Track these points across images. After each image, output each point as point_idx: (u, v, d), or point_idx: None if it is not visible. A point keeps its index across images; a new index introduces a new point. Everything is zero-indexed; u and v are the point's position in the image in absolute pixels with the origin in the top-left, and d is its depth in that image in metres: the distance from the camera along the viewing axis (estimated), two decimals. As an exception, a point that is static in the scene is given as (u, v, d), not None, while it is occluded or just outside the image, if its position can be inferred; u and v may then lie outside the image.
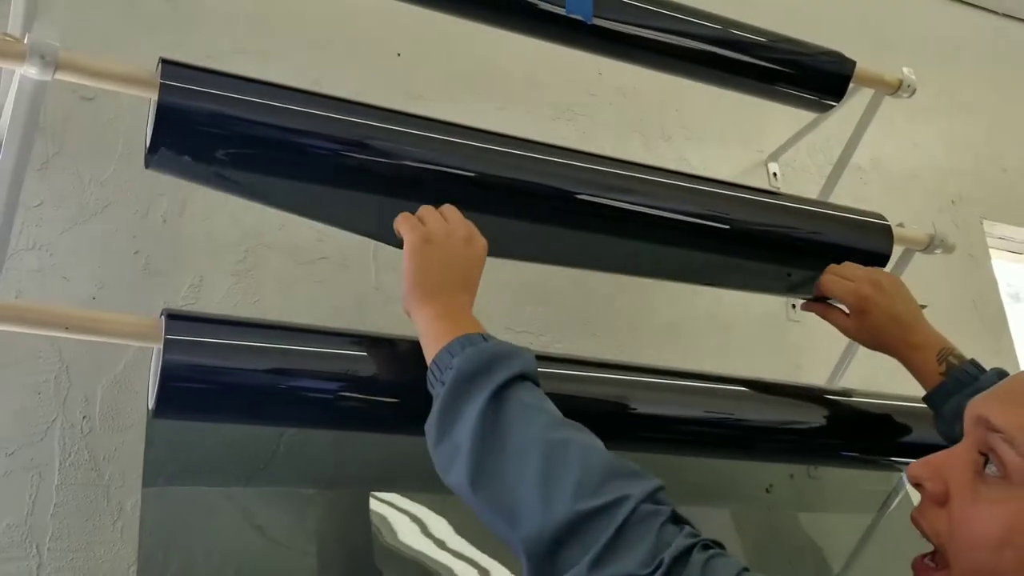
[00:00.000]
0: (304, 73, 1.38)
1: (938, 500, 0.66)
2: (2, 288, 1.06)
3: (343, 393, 0.89)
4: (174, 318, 0.86)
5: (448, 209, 0.92)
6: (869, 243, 1.26)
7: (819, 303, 1.24)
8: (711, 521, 1.35)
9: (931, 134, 2.08)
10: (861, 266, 1.20)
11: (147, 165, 0.90)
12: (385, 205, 0.95)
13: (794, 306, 1.69)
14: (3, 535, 1.01)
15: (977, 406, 0.66)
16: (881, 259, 1.27)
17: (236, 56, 1.35)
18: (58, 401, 1.09)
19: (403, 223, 0.89)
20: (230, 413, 0.87)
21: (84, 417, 1.09)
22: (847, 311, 1.18)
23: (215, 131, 0.88)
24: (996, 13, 2.36)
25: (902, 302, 1.15)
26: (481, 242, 0.90)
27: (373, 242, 1.10)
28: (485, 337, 0.80)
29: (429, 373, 0.80)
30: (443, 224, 0.89)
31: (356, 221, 1.01)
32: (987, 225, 2.06)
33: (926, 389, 1.10)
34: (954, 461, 0.66)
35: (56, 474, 1.06)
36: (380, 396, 0.91)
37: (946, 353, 1.09)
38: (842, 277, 1.18)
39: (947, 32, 2.26)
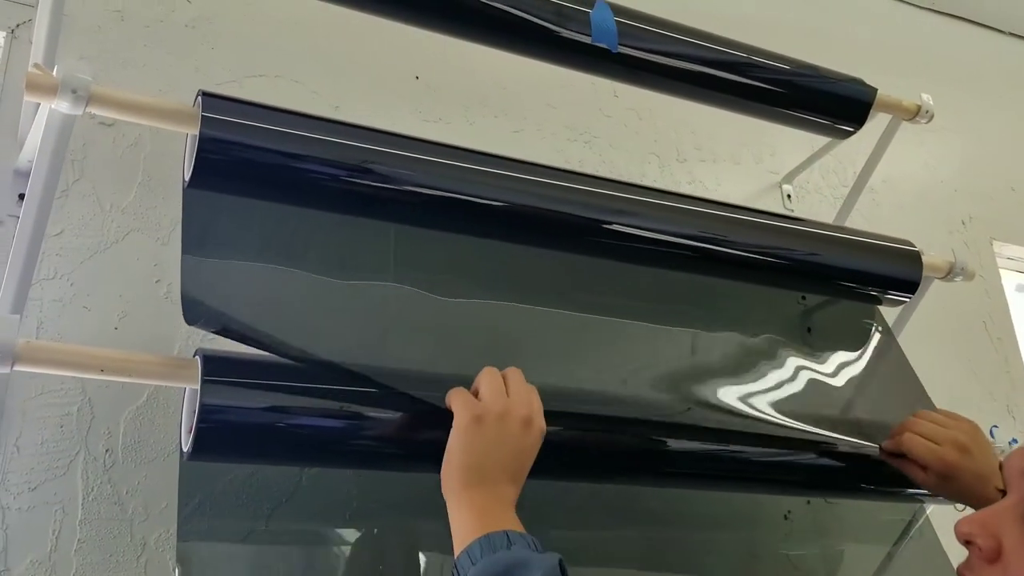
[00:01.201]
0: (324, 97, 1.37)
1: (990, 557, 0.65)
2: (24, 319, 1.04)
3: (382, 435, 0.88)
4: (210, 360, 0.85)
5: (512, 377, 0.84)
6: (900, 271, 1.26)
7: (897, 457, 1.17)
8: (731, 548, 1.35)
9: (942, 155, 2.08)
10: (939, 417, 1.16)
11: (185, 196, 0.89)
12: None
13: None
14: (27, 571, 1.00)
15: (1021, 457, 0.66)
16: (910, 286, 1.27)
17: (254, 80, 1.34)
18: (81, 434, 1.07)
19: (456, 399, 0.82)
20: (269, 456, 0.86)
21: (107, 450, 1.08)
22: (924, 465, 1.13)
23: (257, 163, 0.87)
24: (1004, 32, 2.37)
25: (984, 458, 1.10)
26: (540, 425, 0.82)
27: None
28: (510, 538, 0.73)
29: (452, 570, 0.76)
30: (501, 399, 0.80)
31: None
32: (997, 246, 2.06)
33: None
34: (1004, 516, 0.66)
35: (80, 509, 1.04)
36: (416, 441, 0.90)
37: None
38: (924, 437, 1.12)
39: (957, 52, 2.27)
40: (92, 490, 1.06)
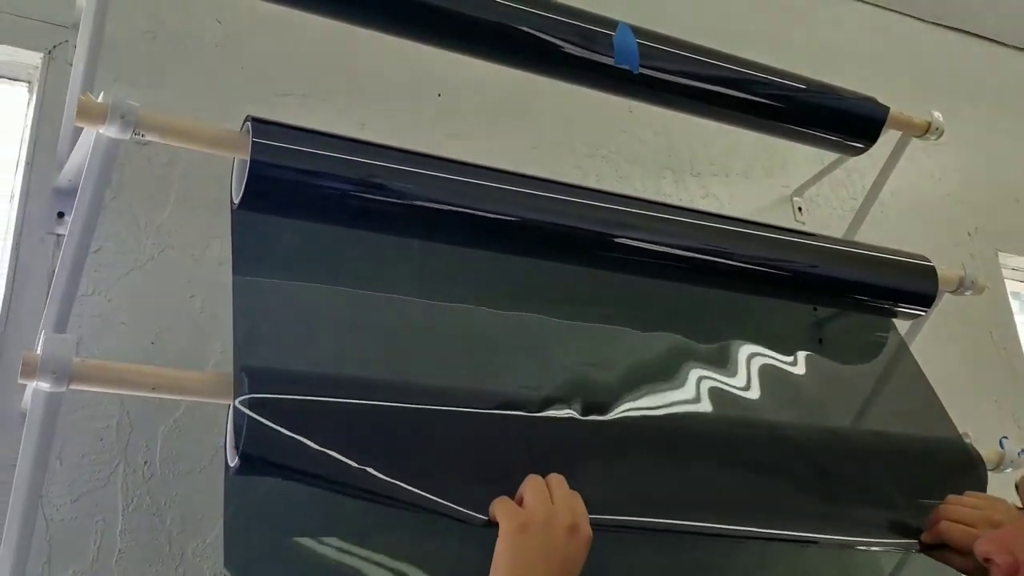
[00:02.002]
0: (349, 116, 1.41)
1: (1008, 573, 0.69)
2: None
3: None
4: (254, 374, 0.88)
5: (556, 483, 0.84)
6: (916, 285, 1.30)
7: (938, 549, 1.14)
8: (740, 562, 1.37)
9: (948, 167, 2.11)
10: (971, 500, 1.13)
11: (234, 217, 0.92)
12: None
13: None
14: (70, 582, 1.03)
15: None
16: (926, 300, 1.30)
17: (280, 99, 1.37)
18: (120, 447, 1.10)
19: (500, 509, 0.81)
20: (317, 471, 0.89)
21: (145, 462, 1.11)
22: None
23: (305, 185, 0.90)
24: (1009, 46, 2.40)
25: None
26: (586, 531, 0.81)
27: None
28: None
29: None
30: (546, 506, 0.80)
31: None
32: (1002, 257, 2.10)
33: None
34: (1020, 534, 0.70)
35: (120, 519, 1.07)
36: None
37: None
38: (960, 523, 1.09)
39: (963, 65, 2.30)
40: (132, 501, 1.09)
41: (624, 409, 1.14)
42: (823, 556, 1.42)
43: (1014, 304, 2.11)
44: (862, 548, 1.24)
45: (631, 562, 1.20)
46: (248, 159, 0.89)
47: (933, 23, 2.30)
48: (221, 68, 1.35)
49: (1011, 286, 2.13)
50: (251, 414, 0.85)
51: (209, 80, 1.33)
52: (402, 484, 0.85)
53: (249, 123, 0.92)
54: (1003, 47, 2.40)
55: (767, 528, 1.15)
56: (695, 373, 1.30)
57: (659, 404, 1.21)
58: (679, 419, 1.18)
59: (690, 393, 1.29)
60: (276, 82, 1.38)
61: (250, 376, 0.88)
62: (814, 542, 1.18)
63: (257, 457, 0.85)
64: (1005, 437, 1.43)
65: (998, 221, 2.12)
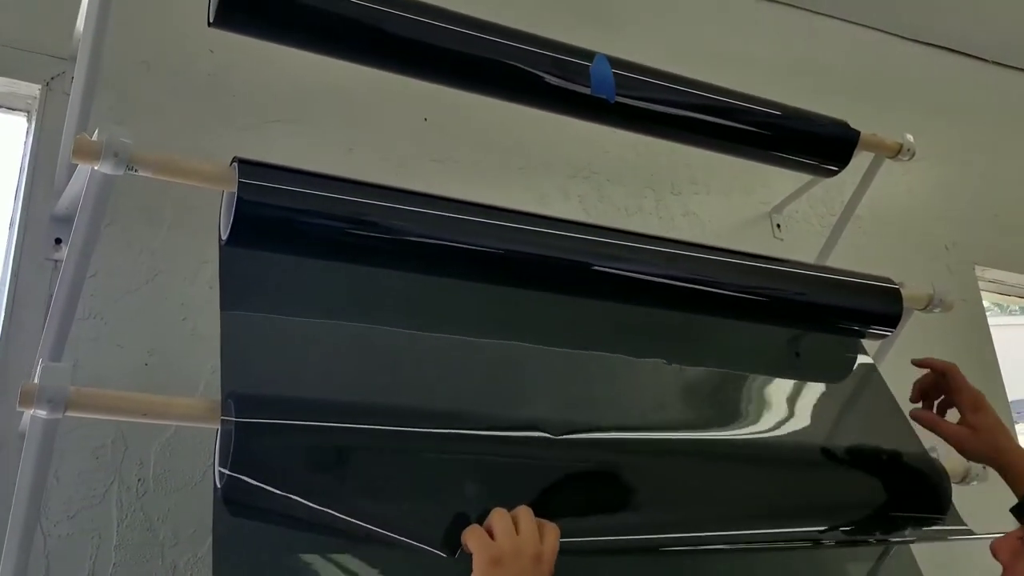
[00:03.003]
0: (337, 140, 1.45)
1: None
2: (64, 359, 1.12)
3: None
4: (241, 400, 0.93)
5: (523, 515, 0.90)
6: (881, 307, 1.35)
7: (928, 414, 1.31)
8: (721, 563, 1.42)
9: (926, 182, 2.16)
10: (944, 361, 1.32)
11: (222, 252, 0.97)
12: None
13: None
14: (67, 595, 1.08)
15: None
16: (892, 321, 1.35)
17: (270, 126, 1.42)
18: (115, 465, 1.15)
19: (472, 538, 0.87)
20: (299, 497, 0.93)
21: (139, 480, 1.16)
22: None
23: (289, 223, 0.95)
24: (987, 61, 2.45)
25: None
26: (549, 564, 0.87)
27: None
28: None
29: None
30: (513, 539, 0.87)
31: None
32: (979, 270, 2.14)
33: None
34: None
35: (115, 534, 1.12)
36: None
37: None
38: (956, 381, 1.29)
39: (941, 81, 2.35)
40: (126, 517, 1.13)
41: (602, 432, 1.18)
42: (796, 567, 1.47)
43: (995, 313, 2.16)
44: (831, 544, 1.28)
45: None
46: (235, 197, 0.94)
47: (911, 39, 2.34)
48: (214, 97, 1.40)
49: (989, 298, 2.18)
50: (237, 437, 0.90)
51: (201, 108, 1.38)
52: (376, 518, 0.91)
53: (236, 164, 0.97)
54: (981, 62, 2.44)
55: (741, 531, 1.21)
56: (674, 394, 1.35)
57: (638, 426, 1.26)
58: (656, 442, 1.22)
59: (669, 413, 1.34)
60: (266, 109, 1.43)
61: (236, 401, 0.93)
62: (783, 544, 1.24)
63: (243, 478, 0.90)
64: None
65: (975, 235, 2.17)
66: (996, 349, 2.09)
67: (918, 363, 1.33)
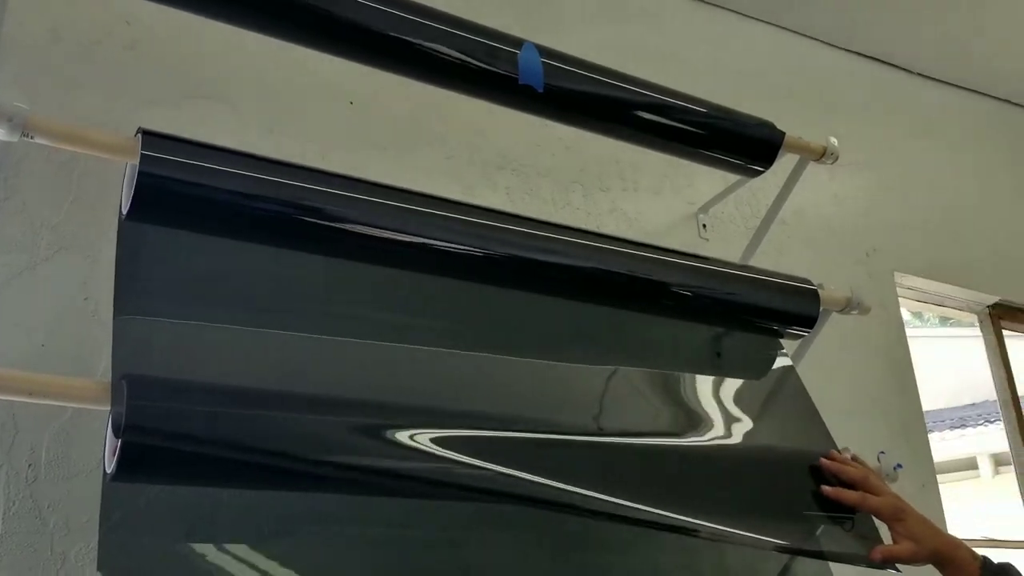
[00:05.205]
0: (257, 120, 1.41)
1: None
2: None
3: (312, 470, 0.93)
4: (134, 383, 0.89)
5: None
6: (799, 308, 1.36)
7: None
8: (633, 563, 1.42)
9: (850, 189, 2.20)
10: (859, 467, 1.26)
11: (120, 225, 0.92)
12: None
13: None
14: (-54, 586, 1.02)
15: None
16: (809, 321, 1.36)
17: (191, 102, 1.37)
18: (3, 449, 1.09)
19: None
20: (194, 478, 0.90)
21: (29, 465, 1.10)
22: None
23: (192, 199, 0.91)
24: (912, 73, 2.51)
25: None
26: None
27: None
28: None
29: None
30: None
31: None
32: (898, 277, 2.19)
33: None
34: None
35: (0, 523, 1.06)
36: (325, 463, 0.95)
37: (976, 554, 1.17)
38: (867, 491, 1.21)
39: (866, 89, 2.39)
40: (13, 504, 1.08)
41: (519, 428, 1.17)
42: (710, 565, 1.48)
43: (913, 321, 2.21)
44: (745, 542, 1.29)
45: (519, 562, 1.24)
46: (136, 169, 0.89)
47: (843, 49, 2.39)
48: (130, 71, 1.34)
49: (907, 305, 2.23)
50: (129, 421, 0.86)
51: (114, 81, 1.32)
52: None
53: (139, 135, 0.92)
54: (905, 73, 2.50)
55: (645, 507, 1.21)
56: (592, 394, 1.34)
57: (558, 422, 1.25)
58: (565, 442, 1.21)
59: (590, 410, 1.33)
60: (183, 84, 1.37)
61: (130, 384, 0.88)
62: (695, 532, 1.24)
63: (133, 463, 0.86)
64: (883, 452, 1.50)
65: (894, 242, 2.21)
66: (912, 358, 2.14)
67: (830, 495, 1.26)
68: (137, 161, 0.93)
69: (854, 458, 1.31)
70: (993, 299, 2.38)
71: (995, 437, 6.08)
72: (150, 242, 0.99)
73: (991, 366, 2.39)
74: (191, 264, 1.03)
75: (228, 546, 1.02)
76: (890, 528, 1.19)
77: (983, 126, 2.63)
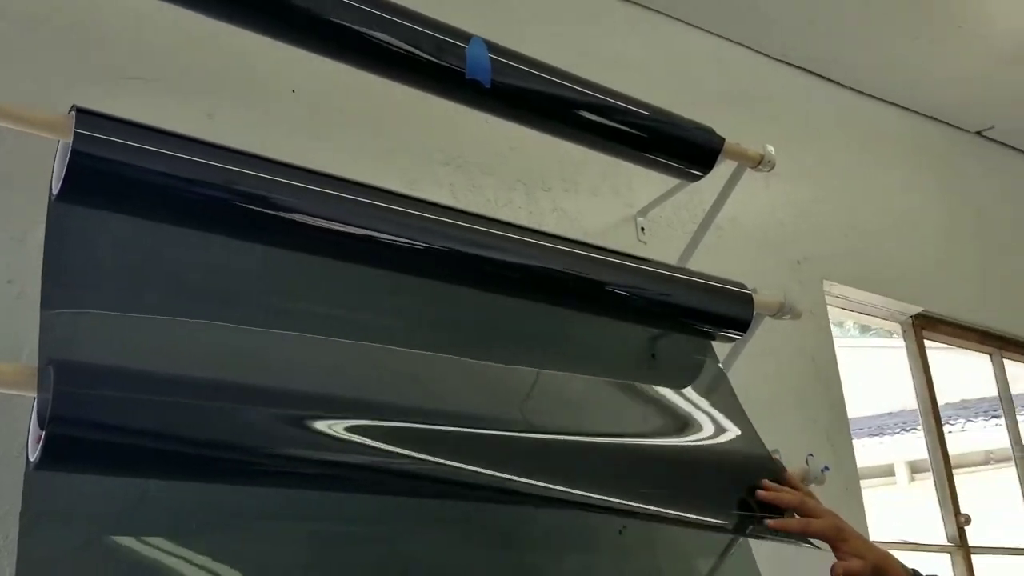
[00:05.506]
0: (196, 105, 1.37)
1: None
2: None
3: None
4: (61, 368, 0.85)
5: None
6: (734, 311, 1.38)
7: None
8: (567, 567, 1.43)
9: (783, 198, 2.25)
10: (794, 492, 1.24)
11: (50, 207, 0.89)
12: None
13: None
14: None
15: None
16: (743, 325, 1.39)
17: (130, 83, 1.33)
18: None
19: None
20: (122, 469, 0.87)
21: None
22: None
23: (127, 182, 0.88)
24: (844, 87, 2.58)
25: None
26: None
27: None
28: None
29: None
30: None
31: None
32: (827, 285, 2.25)
33: None
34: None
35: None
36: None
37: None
38: (806, 515, 1.20)
39: (802, 102, 2.46)
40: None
41: (452, 423, 1.16)
42: (641, 565, 1.50)
43: (835, 331, 2.27)
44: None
45: (452, 558, 1.23)
46: (70, 147, 0.86)
47: (781, 61, 2.44)
48: (68, 49, 1.29)
49: (834, 313, 2.29)
50: (55, 409, 0.83)
51: (49, 59, 1.27)
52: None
53: (73, 112, 0.89)
54: (841, 88, 2.57)
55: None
56: (527, 387, 1.34)
57: (490, 417, 1.24)
58: (504, 437, 1.21)
59: (520, 406, 1.33)
60: (122, 65, 1.33)
61: (57, 370, 0.85)
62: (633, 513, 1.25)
63: (58, 452, 0.83)
64: (811, 455, 1.54)
65: (825, 251, 2.27)
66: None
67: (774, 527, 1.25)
68: (70, 140, 0.90)
69: (785, 472, 1.33)
70: (916, 309, 2.46)
71: (912, 445, 6.32)
72: (81, 224, 0.96)
73: (913, 375, 2.47)
74: (123, 248, 1.00)
75: (156, 539, 0.99)
76: (834, 548, 1.18)
77: (913, 143, 2.72)
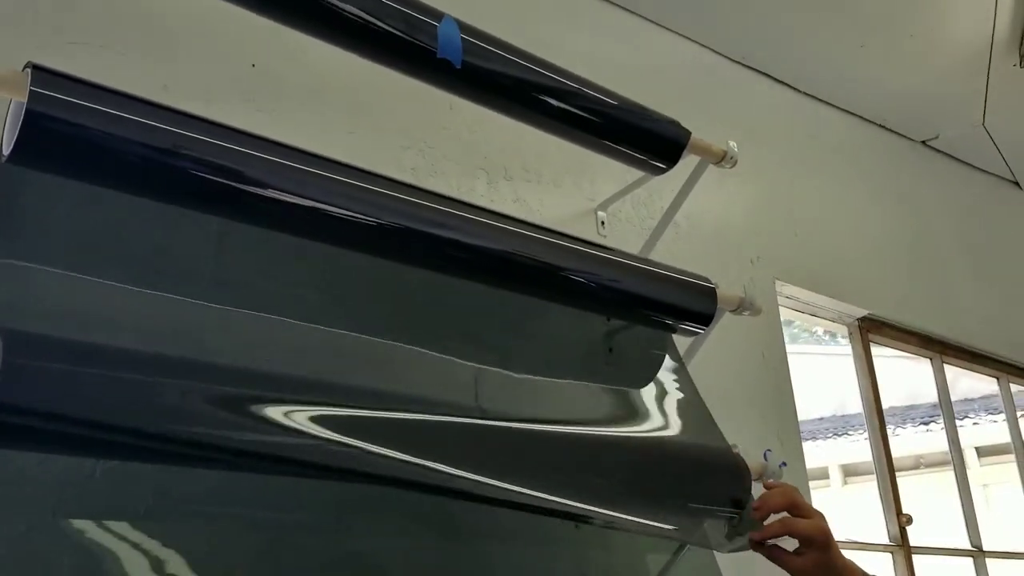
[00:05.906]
0: (151, 75, 1.32)
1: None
2: None
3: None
4: (9, 339, 0.80)
5: None
6: (697, 304, 1.37)
7: (765, 547, 1.14)
8: (522, 559, 1.40)
9: (740, 198, 2.26)
10: (780, 493, 1.13)
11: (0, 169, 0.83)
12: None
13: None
14: None
15: None
16: (705, 319, 1.38)
17: (77, 48, 1.27)
18: None
19: None
20: (61, 447, 0.82)
21: None
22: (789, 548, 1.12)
23: (83, 145, 0.83)
24: (800, 92, 2.61)
25: None
26: None
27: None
28: None
29: None
30: None
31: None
32: (778, 285, 2.27)
33: None
34: None
35: None
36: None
37: None
38: (798, 515, 1.11)
39: (758, 104, 2.48)
40: None
41: (401, 408, 1.13)
42: (597, 558, 1.48)
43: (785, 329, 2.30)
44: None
45: (405, 549, 1.20)
46: (24, 107, 0.81)
47: (739, 63, 2.46)
48: (12, 9, 1.22)
49: (785, 312, 2.32)
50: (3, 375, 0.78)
51: (2, 22, 1.21)
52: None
53: (29, 70, 0.84)
54: (796, 92, 2.60)
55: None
56: (484, 378, 1.32)
57: (442, 403, 1.22)
58: (455, 425, 1.18)
59: (477, 398, 1.30)
60: (70, 29, 1.27)
61: (5, 341, 0.80)
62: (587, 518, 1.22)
63: (6, 430, 0.78)
64: (769, 450, 1.54)
65: (777, 252, 2.29)
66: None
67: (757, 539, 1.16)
68: (24, 98, 0.84)
69: (745, 467, 1.30)
70: (862, 312, 2.51)
71: (845, 449, 6.47)
72: (31, 188, 0.90)
73: (858, 377, 2.51)
74: (73, 214, 0.94)
75: (103, 524, 0.94)
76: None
77: (861, 149, 2.77)
